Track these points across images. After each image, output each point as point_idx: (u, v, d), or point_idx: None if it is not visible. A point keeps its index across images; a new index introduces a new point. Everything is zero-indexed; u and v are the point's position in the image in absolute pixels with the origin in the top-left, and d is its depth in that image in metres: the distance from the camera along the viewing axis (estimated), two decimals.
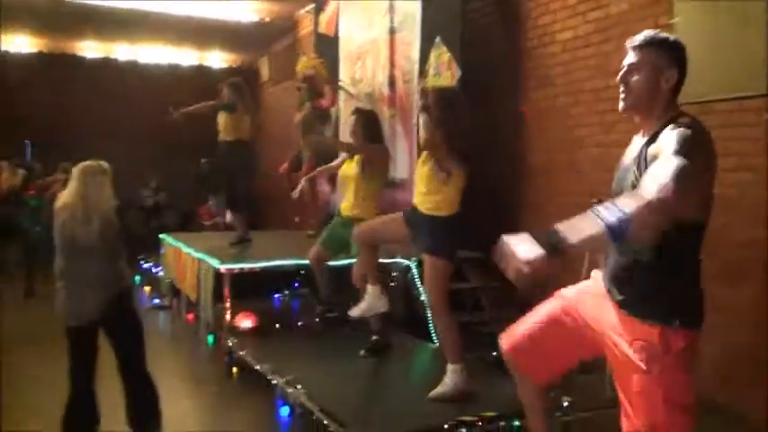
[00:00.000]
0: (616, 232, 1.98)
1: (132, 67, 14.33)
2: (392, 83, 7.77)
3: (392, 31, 7.78)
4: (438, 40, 6.83)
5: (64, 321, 4.09)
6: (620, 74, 2.53)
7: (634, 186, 2.26)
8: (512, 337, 2.87)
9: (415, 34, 7.31)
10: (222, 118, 7.50)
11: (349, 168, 5.58)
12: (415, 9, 7.30)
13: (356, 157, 5.53)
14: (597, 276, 2.71)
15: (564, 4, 6.17)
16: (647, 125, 2.50)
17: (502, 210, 6.63)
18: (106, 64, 14.16)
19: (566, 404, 4.13)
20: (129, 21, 11.47)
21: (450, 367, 4.27)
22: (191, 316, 7.59)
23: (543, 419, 3.08)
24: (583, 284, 2.80)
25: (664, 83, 2.48)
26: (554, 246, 2.04)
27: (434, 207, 4.29)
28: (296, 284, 7.94)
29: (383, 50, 7.97)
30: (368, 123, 5.50)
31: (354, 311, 4.89)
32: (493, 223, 6.33)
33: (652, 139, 2.38)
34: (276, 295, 7.75)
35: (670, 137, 2.26)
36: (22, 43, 13.25)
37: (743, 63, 4.64)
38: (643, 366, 2.36)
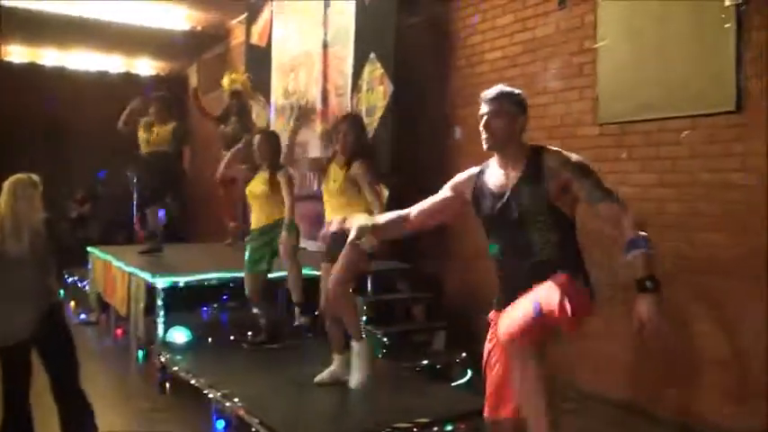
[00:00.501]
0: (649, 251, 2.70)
1: (59, 72, 14.01)
2: (325, 97, 7.85)
3: (325, 45, 7.87)
4: (372, 56, 6.95)
5: None
6: (483, 121, 3.01)
7: (523, 207, 2.88)
8: (515, 325, 2.89)
9: (348, 49, 7.41)
10: (142, 132, 7.64)
11: (256, 187, 5.75)
12: (349, 24, 7.39)
13: (264, 177, 5.68)
14: (492, 315, 3.08)
15: (492, 24, 6.36)
16: (509, 159, 3.01)
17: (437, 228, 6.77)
18: (33, 69, 13.79)
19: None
20: (56, 26, 11.26)
21: (354, 344, 4.58)
22: (119, 331, 7.51)
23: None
24: (490, 330, 3.10)
25: (517, 126, 3.00)
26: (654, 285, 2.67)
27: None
28: (224, 297, 7.91)
29: (317, 64, 8.05)
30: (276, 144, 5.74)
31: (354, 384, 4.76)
32: (422, 236, 6.52)
33: (529, 170, 2.92)
34: (204, 308, 7.68)
35: (559, 162, 2.89)
36: None
37: (662, 86, 4.90)
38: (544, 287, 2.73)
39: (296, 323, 5.78)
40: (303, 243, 6.40)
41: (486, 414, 3.09)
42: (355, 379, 4.54)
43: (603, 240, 3.73)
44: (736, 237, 4.48)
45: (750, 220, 4.39)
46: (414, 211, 3.29)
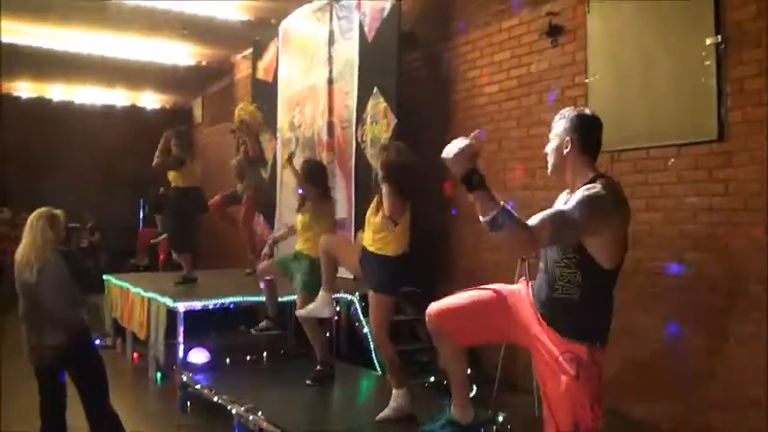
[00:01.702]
0: (496, 221, 2.62)
1: (67, 107, 14.38)
2: (331, 129, 8.21)
3: (330, 81, 8.23)
4: (375, 90, 7.32)
5: (30, 362, 4.36)
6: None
7: None
8: (440, 305, 3.36)
9: (352, 84, 7.76)
10: (171, 172, 7.88)
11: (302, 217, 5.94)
12: (353, 60, 7.76)
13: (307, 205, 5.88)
14: (522, 287, 3.23)
15: (490, 60, 6.75)
16: (570, 183, 2.98)
17: (434, 250, 7.10)
18: (41, 104, 14.16)
19: (501, 418, 4.59)
20: (63, 62, 11.64)
21: (394, 392, 4.68)
22: (136, 355, 7.81)
23: (464, 384, 3.60)
24: (515, 288, 3.28)
25: (564, 148, 2.96)
26: (471, 176, 2.64)
27: (383, 247, 4.73)
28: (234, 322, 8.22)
29: (322, 98, 8.41)
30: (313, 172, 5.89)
31: (301, 312, 5.32)
32: (426, 262, 6.85)
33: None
34: (221, 331, 7.95)
35: (580, 191, 2.80)
36: None
37: (649, 117, 5.27)
38: (573, 372, 2.88)
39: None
40: None
41: (429, 312, 3.37)
42: (382, 414, 4.67)
43: None
44: (720, 256, 4.81)
45: (733, 240, 4.74)
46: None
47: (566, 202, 2.91)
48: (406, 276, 4.97)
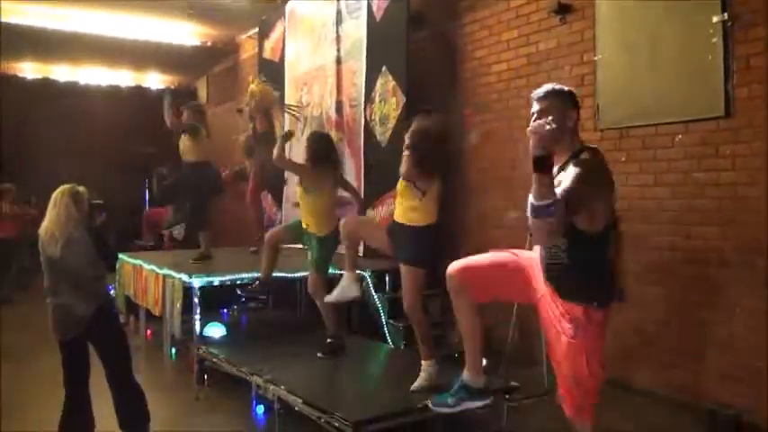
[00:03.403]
0: (550, 208, 2.76)
1: (72, 87, 14.43)
2: (339, 108, 8.27)
3: (338, 61, 8.29)
4: (384, 68, 7.38)
5: (53, 336, 4.48)
6: (533, 120, 3.06)
7: None
8: (461, 263, 3.53)
9: (361, 63, 7.82)
10: (184, 141, 7.82)
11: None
12: (361, 39, 7.83)
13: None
14: (535, 252, 3.39)
15: (498, 39, 6.82)
16: (559, 157, 3.13)
17: (444, 223, 7.17)
18: (46, 84, 14.21)
19: (513, 384, 4.76)
20: (68, 42, 11.67)
21: (424, 363, 4.80)
22: (149, 331, 7.95)
23: (477, 347, 3.74)
24: (533, 253, 3.45)
25: (568, 122, 3.15)
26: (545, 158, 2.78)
27: (413, 218, 4.84)
28: (243, 299, 8.39)
29: (330, 77, 8.47)
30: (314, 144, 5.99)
31: (330, 297, 5.41)
32: (438, 236, 6.94)
33: (562, 168, 3.08)
34: (224, 309, 8.13)
35: (570, 172, 2.98)
36: None
37: (657, 94, 5.36)
38: (571, 332, 3.12)
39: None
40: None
41: (450, 270, 3.54)
42: (415, 384, 4.76)
43: None
44: (727, 229, 4.93)
45: (739, 214, 4.85)
46: None
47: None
48: (436, 247, 5.04)
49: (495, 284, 3.52)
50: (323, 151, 5.92)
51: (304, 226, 5.95)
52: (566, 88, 3.25)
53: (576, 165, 3.00)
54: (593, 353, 3.13)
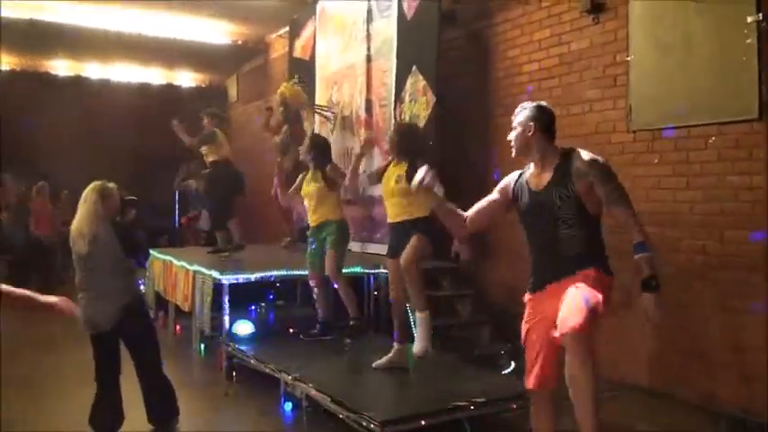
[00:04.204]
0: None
1: (103, 85, 14.59)
2: (369, 107, 8.28)
3: (369, 59, 8.29)
4: (414, 68, 7.36)
5: (85, 330, 4.54)
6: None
7: (553, 206, 3.36)
8: (529, 374, 3.51)
9: (391, 62, 7.81)
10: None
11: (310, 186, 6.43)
12: (392, 38, 7.82)
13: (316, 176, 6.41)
14: (526, 298, 3.55)
15: (530, 39, 6.78)
16: (543, 162, 3.47)
17: None
18: (78, 82, 14.37)
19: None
20: (100, 40, 11.78)
21: (418, 315, 5.06)
22: (178, 327, 8.03)
23: None
24: (528, 308, 3.56)
25: (527, 132, 3.47)
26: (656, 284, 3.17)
27: (415, 211, 5.12)
28: (270, 296, 8.45)
29: (360, 76, 8.47)
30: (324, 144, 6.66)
31: (376, 363, 5.42)
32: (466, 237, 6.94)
33: (559, 172, 3.36)
34: (253, 306, 8.18)
35: (585, 166, 3.31)
36: None
37: (690, 95, 5.29)
38: (581, 281, 3.25)
39: None
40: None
41: (530, 386, 3.51)
42: (418, 347, 5.09)
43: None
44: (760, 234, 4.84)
45: None
46: (469, 213, 3.78)
47: (553, 176, 3.39)
48: (443, 238, 5.23)
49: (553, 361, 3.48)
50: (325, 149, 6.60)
51: (318, 222, 6.31)
52: (530, 103, 3.58)
53: (581, 160, 3.34)
54: (596, 295, 3.20)
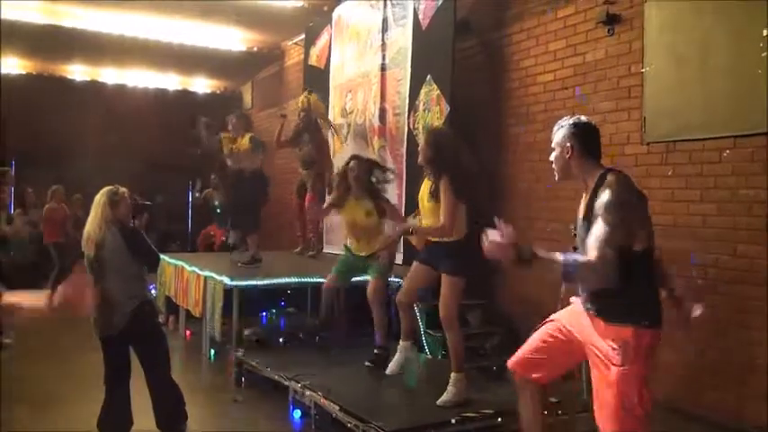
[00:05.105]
0: (569, 271, 2.92)
1: (120, 90, 14.67)
2: (383, 115, 8.30)
3: (383, 68, 8.32)
4: (429, 77, 7.38)
5: (95, 332, 4.55)
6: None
7: (584, 234, 3.08)
8: (517, 354, 3.53)
9: (405, 71, 7.85)
10: (238, 152, 8.02)
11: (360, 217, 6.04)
12: (407, 47, 7.85)
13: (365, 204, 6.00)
14: (576, 300, 3.37)
15: (545, 49, 6.77)
16: (585, 185, 3.21)
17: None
18: (94, 87, 14.46)
19: (553, 400, 4.68)
20: (117, 46, 11.81)
21: (454, 376, 4.80)
22: (188, 332, 8.05)
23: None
24: (569, 307, 3.44)
25: (565, 153, 3.21)
26: (525, 254, 2.92)
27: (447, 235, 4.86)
28: (282, 303, 8.44)
29: (374, 85, 8.50)
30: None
31: (390, 369, 5.43)
32: (477, 246, 6.92)
33: (593, 196, 3.08)
34: (263, 313, 8.19)
35: (601, 200, 3.00)
36: (12, 65, 13.43)
37: (705, 108, 5.27)
38: (620, 359, 3.00)
39: None
40: None
41: (511, 364, 3.51)
42: (443, 399, 4.78)
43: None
44: None
45: None
46: None
47: (587, 204, 3.12)
48: (474, 259, 5.05)
49: (552, 363, 3.46)
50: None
51: (363, 252, 6.03)
52: (571, 120, 3.29)
53: (604, 193, 3.03)
54: (643, 377, 3.03)
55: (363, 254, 6.01)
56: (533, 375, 3.48)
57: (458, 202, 4.78)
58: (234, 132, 8.09)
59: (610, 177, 3.08)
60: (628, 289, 3.03)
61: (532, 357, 3.47)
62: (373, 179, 6.02)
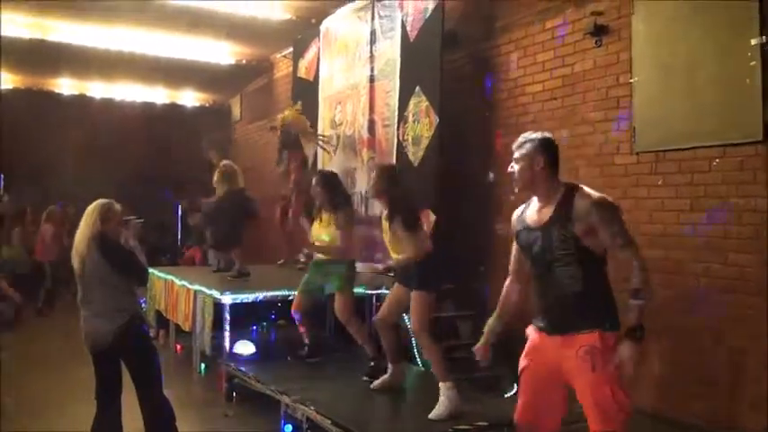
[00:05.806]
0: (650, 288, 3.12)
1: (107, 104, 14.61)
2: (372, 127, 8.28)
3: (372, 80, 8.32)
4: (418, 89, 7.38)
5: (85, 347, 4.51)
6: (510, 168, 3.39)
7: (552, 245, 3.21)
8: (518, 410, 3.49)
9: (394, 82, 7.84)
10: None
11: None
12: (395, 59, 7.85)
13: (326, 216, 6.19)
14: (530, 330, 3.45)
15: (533, 60, 6.78)
16: (544, 197, 3.31)
17: (475, 244, 7.16)
18: (82, 101, 14.39)
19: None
20: (104, 60, 11.78)
21: (442, 386, 4.76)
22: (179, 346, 7.99)
23: None
24: (528, 345, 3.47)
25: (536, 166, 3.28)
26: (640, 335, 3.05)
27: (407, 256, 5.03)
28: (272, 316, 8.40)
29: (363, 96, 8.49)
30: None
31: (374, 384, 5.44)
32: (467, 257, 6.92)
33: (560, 210, 3.20)
34: (254, 327, 8.14)
35: (589, 205, 3.15)
36: None
37: (694, 117, 5.28)
38: (590, 367, 3.09)
39: None
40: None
41: (517, 418, 3.47)
42: (434, 413, 4.71)
43: None
44: (764, 257, 4.80)
45: None
46: (512, 274, 3.67)
47: (554, 214, 3.23)
48: (440, 273, 5.20)
49: (551, 406, 3.41)
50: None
51: (324, 258, 6.14)
52: (534, 135, 3.39)
53: (585, 199, 3.17)
54: (615, 381, 3.10)
55: (324, 257, 6.16)
56: (541, 422, 3.43)
57: (414, 230, 5.05)
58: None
59: (580, 189, 3.23)
60: (593, 294, 3.20)
61: (530, 408, 3.43)
62: (335, 192, 6.20)
